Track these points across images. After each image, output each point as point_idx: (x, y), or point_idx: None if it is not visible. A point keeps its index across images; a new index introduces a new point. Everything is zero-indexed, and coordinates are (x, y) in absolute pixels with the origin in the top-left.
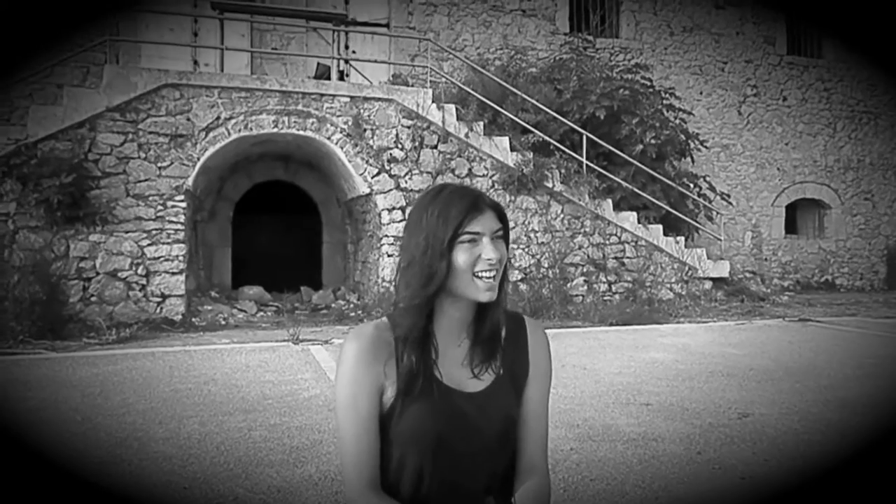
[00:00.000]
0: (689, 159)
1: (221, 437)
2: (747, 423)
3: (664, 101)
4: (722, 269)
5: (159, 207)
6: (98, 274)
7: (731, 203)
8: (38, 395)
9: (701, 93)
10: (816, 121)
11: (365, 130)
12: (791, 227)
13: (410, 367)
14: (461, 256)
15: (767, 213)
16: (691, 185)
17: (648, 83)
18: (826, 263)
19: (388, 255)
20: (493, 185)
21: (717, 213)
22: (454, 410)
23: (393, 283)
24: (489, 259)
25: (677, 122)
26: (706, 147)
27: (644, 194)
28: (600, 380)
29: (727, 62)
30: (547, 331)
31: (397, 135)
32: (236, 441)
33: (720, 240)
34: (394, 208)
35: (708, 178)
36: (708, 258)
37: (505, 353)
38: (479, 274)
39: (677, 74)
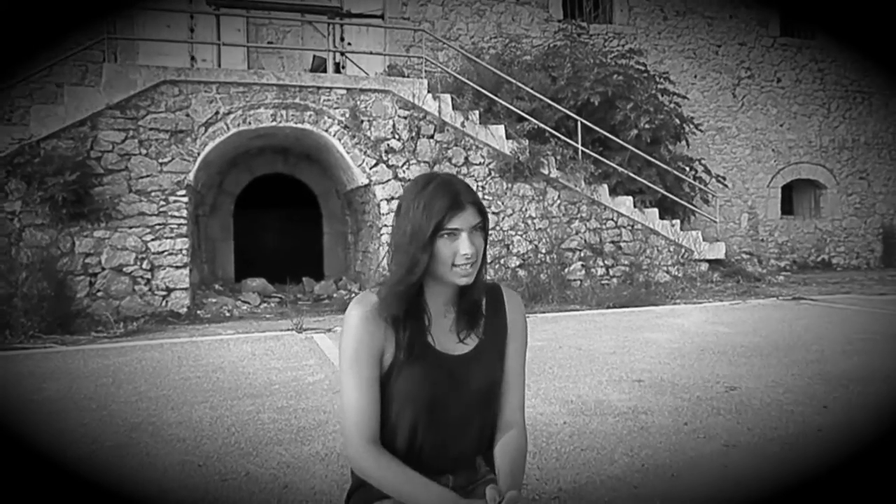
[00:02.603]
0: (684, 143)
1: (232, 420)
2: (734, 395)
3: (658, 86)
4: (718, 251)
5: (161, 202)
6: (104, 269)
7: (726, 185)
8: (52, 386)
9: (695, 76)
10: (811, 101)
11: (362, 122)
12: (787, 207)
13: (407, 334)
14: (441, 248)
15: (763, 195)
16: (687, 169)
17: (642, 68)
18: (822, 243)
19: (388, 245)
20: (489, 173)
21: (713, 195)
22: (445, 371)
23: (385, 261)
24: (465, 254)
25: (672, 106)
26: (701, 130)
27: (640, 178)
28: (595, 359)
29: (721, 45)
30: (545, 314)
31: (394, 125)
32: (246, 423)
33: (716, 222)
34: (392, 198)
35: (703, 161)
36: (704, 240)
37: (486, 320)
38: (457, 264)
39: (671, 59)
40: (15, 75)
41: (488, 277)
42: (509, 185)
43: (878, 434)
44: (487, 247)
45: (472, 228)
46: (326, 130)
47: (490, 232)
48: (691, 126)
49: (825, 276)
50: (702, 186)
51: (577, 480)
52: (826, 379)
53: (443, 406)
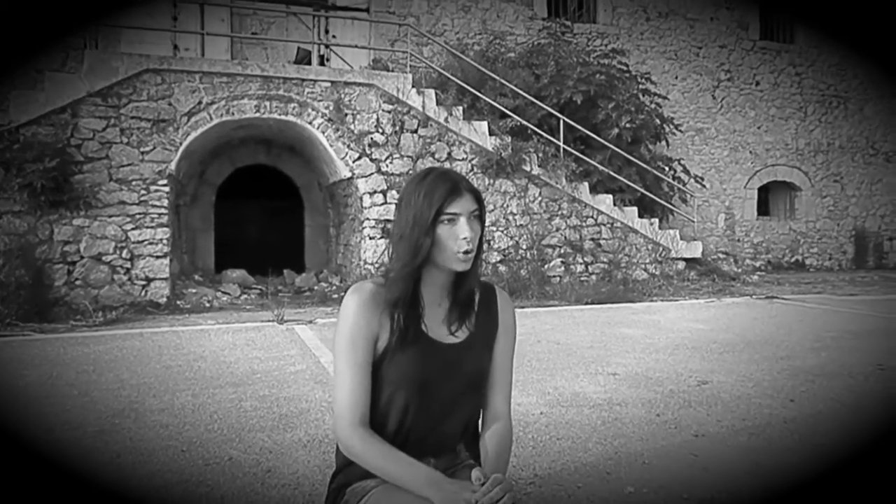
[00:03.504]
0: (664, 143)
1: (214, 408)
2: (705, 389)
3: (640, 86)
4: (695, 250)
5: (142, 192)
6: (83, 258)
7: (704, 186)
8: (33, 373)
9: (676, 77)
10: (788, 105)
11: (346, 115)
12: (763, 208)
13: (402, 321)
14: (442, 234)
15: (740, 196)
16: (666, 168)
17: (625, 68)
18: (796, 244)
19: (370, 238)
20: (472, 169)
21: (691, 195)
22: (436, 358)
23: (386, 254)
24: (465, 237)
25: (652, 106)
26: (681, 131)
27: (620, 177)
28: (572, 353)
29: (702, 47)
30: (524, 309)
31: (378, 119)
32: (228, 410)
33: (693, 221)
34: (375, 192)
35: (682, 162)
36: (681, 239)
37: (478, 314)
38: (457, 248)
39: (653, 59)
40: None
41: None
42: (491, 182)
43: (841, 425)
44: (484, 236)
45: (471, 214)
46: (310, 123)
47: None
48: (671, 126)
49: (798, 277)
50: (680, 186)
51: (552, 468)
52: (794, 374)
53: (432, 391)
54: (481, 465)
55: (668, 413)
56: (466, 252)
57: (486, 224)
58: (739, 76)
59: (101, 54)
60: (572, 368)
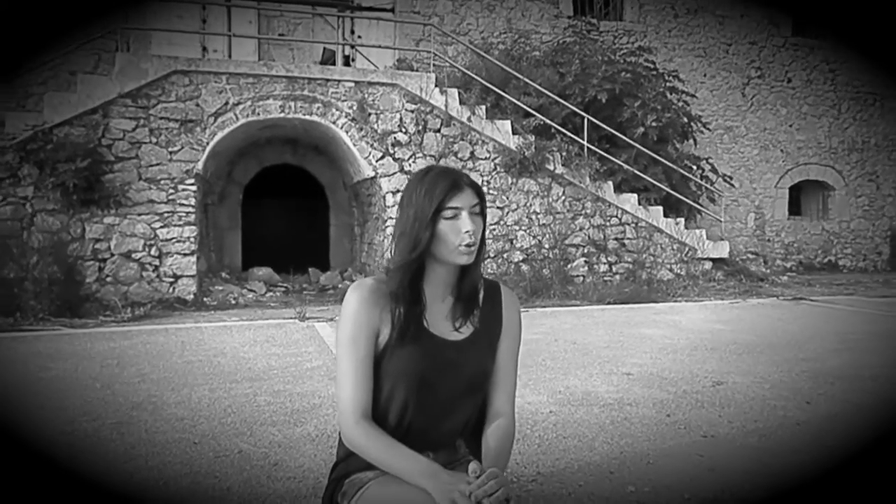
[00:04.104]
0: (691, 141)
1: (229, 402)
2: (719, 390)
3: (667, 84)
4: (721, 250)
5: (171, 191)
6: (113, 255)
7: (733, 185)
8: (59, 366)
9: (705, 75)
10: (821, 102)
11: (369, 115)
12: (795, 208)
13: (403, 316)
14: (444, 228)
15: (771, 195)
16: (694, 168)
17: (651, 66)
18: (829, 244)
19: (393, 233)
20: (495, 168)
21: (719, 194)
22: (437, 354)
23: (389, 250)
24: (467, 230)
25: (680, 104)
26: (709, 129)
27: (645, 176)
28: (588, 352)
29: (731, 44)
30: (545, 309)
31: (401, 119)
32: (242, 405)
33: (721, 221)
34: (398, 191)
35: (710, 160)
36: (708, 239)
37: (482, 312)
38: (459, 241)
39: (681, 57)
40: (28, 65)
41: (491, 276)
42: (514, 181)
43: (855, 428)
44: (486, 231)
45: (472, 209)
46: (334, 122)
47: (494, 227)
48: (699, 125)
49: (830, 278)
50: (708, 186)
51: (556, 466)
52: (813, 376)
53: (432, 387)
54: (481, 461)
55: (678, 413)
56: (468, 245)
57: (509, 223)
58: (770, 73)
59: (132, 56)
60: (586, 368)
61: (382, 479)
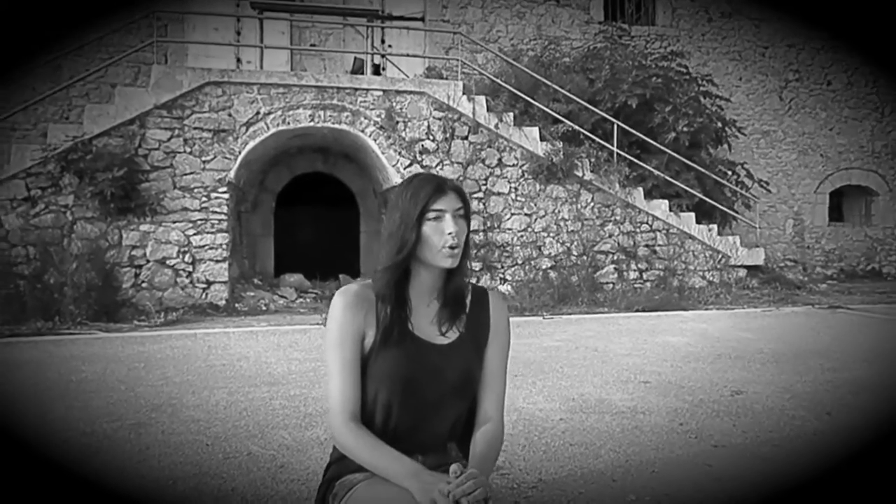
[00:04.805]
0: (725, 146)
1: (245, 405)
2: (738, 399)
3: (700, 88)
4: (756, 257)
5: (204, 199)
6: (148, 261)
7: (769, 190)
8: (89, 369)
9: (740, 78)
10: (863, 105)
11: (397, 123)
12: (836, 214)
13: (387, 318)
14: (428, 230)
15: (810, 201)
16: (728, 173)
17: (684, 70)
18: (873, 251)
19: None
20: (522, 175)
21: (755, 200)
22: (422, 357)
23: (377, 253)
24: (450, 232)
25: (714, 109)
26: (744, 134)
27: (676, 182)
28: (608, 360)
29: (768, 47)
30: (570, 316)
31: (429, 126)
32: (258, 408)
33: (756, 227)
34: None
35: (746, 166)
36: (743, 246)
37: (469, 317)
38: (443, 244)
39: (715, 61)
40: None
41: (519, 283)
42: (542, 187)
43: (877, 440)
44: (470, 235)
45: (455, 212)
46: (362, 131)
47: (522, 234)
48: (734, 129)
49: (873, 286)
50: (742, 192)
51: (559, 473)
52: (837, 386)
53: (417, 389)
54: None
55: (691, 423)
56: (452, 248)
57: (537, 230)
58: (809, 76)
59: (167, 68)
60: (603, 376)
61: (371, 481)
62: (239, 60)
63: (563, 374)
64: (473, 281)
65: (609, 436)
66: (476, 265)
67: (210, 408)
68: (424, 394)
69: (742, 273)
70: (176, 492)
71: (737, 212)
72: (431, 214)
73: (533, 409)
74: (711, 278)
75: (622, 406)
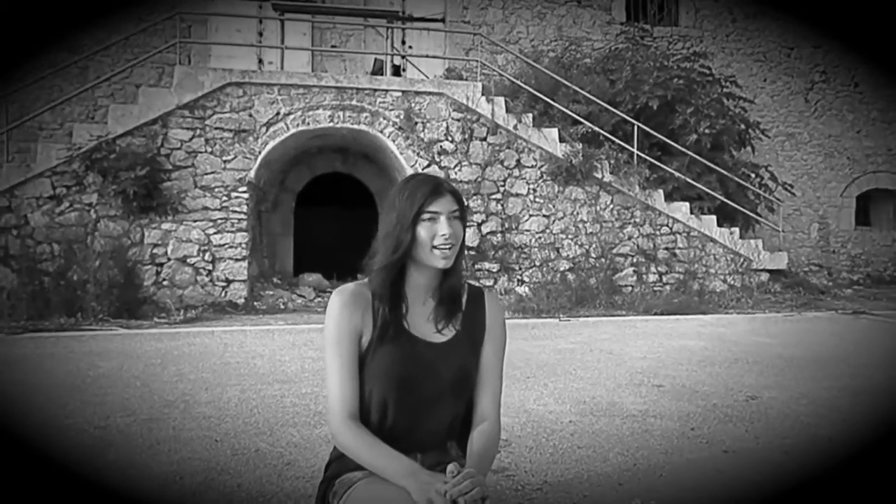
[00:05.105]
0: (749, 149)
1: (257, 402)
2: (752, 405)
3: (723, 90)
4: (779, 261)
5: (224, 198)
6: (169, 260)
7: (794, 193)
8: (107, 365)
9: (765, 80)
10: (892, 107)
11: (416, 123)
12: (863, 218)
13: (384, 316)
14: (423, 231)
15: (836, 204)
16: (752, 176)
17: (706, 71)
18: None
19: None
20: (541, 176)
21: (779, 203)
22: (418, 354)
23: (372, 252)
24: (444, 234)
25: (737, 110)
26: (768, 136)
27: (698, 185)
28: (622, 363)
29: (794, 48)
30: (587, 319)
31: (447, 127)
32: (269, 405)
33: (779, 231)
34: None
35: (770, 168)
36: (765, 250)
37: (465, 315)
38: (437, 245)
39: (739, 62)
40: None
41: (536, 284)
42: (561, 189)
43: (893, 447)
44: (465, 236)
45: (451, 214)
46: (381, 131)
47: (540, 235)
48: (757, 131)
49: None
50: (766, 195)
51: (565, 475)
52: (855, 393)
53: (413, 387)
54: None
55: (703, 427)
56: (446, 249)
57: (555, 232)
58: (836, 77)
59: (190, 69)
60: (616, 379)
61: (369, 479)
62: (261, 61)
63: (575, 377)
64: (489, 283)
65: (618, 439)
66: (494, 266)
67: (222, 405)
68: (420, 391)
69: (764, 277)
70: (183, 487)
71: (760, 215)
72: (427, 216)
73: (543, 411)
74: (733, 282)
75: (633, 409)
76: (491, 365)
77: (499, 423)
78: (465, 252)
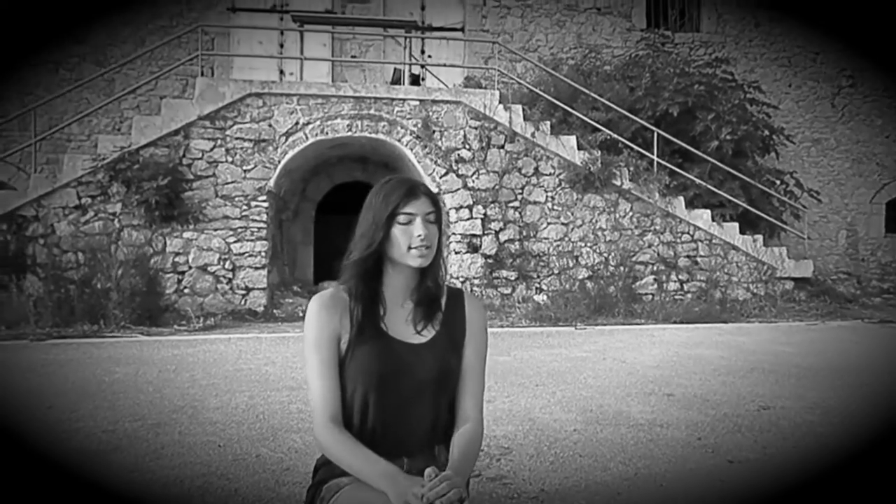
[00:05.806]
0: (773, 155)
1: (263, 408)
2: (764, 415)
3: (747, 96)
4: (805, 269)
5: (244, 207)
6: (190, 268)
7: (820, 200)
8: (122, 371)
9: (790, 85)
10: None
11: (434, 132)
12: (893, 225)
13: (359, 315)
14: (399, 232)
15: (865, 211)
16: (777, 182)
17: (729, 77)
18: None
19: (456, 252)
20: (559, 184)
21: (804, 210)
22: (395, 354)
23: (348, 253)
24: (419, 235)
25: (760, 116)
26: (793, 142)
27: (720, 192)
28: (634, 372)
29: (819, 52)
30: (602, 327)
31: (465, 135)
32: (275, 411)
33: (804, 238)
34: (461, 207)
35: (795, 175)
36: (790, 257)
37: (445, 316)
38: (412, 246)
39: (763, 67)
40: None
41: (555, 292)
42: (579, 196)
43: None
44: (442, 238)
45: (426, 216)
46: (399, 140)
47: (559, 243)
48: (782, 137)
49: None
50: (790, 202)
51: (564, 484)
52: (873, 403)
53: (391, 388)
54: None
55: (710, 437)
56: (420, 248)
57: (574, 240)
58: (864, 81)
59: (211, 81)
60: (626, 387)
61: (355, 485)
62: (282, 72)
63: (585, 385)
64: (507, 291)
65: (621, 448)
66: (512, 275)
67: (229, 410)
68: (399, 391)
69: (789, 285)
70: (182, 490)
71: (784, 222)
72: (402, 218)
73: (548, 420)
74: (756, 290)
75: (640, 418)
76: (472, 366)
77: (481, 425)
78: (444, 256)
